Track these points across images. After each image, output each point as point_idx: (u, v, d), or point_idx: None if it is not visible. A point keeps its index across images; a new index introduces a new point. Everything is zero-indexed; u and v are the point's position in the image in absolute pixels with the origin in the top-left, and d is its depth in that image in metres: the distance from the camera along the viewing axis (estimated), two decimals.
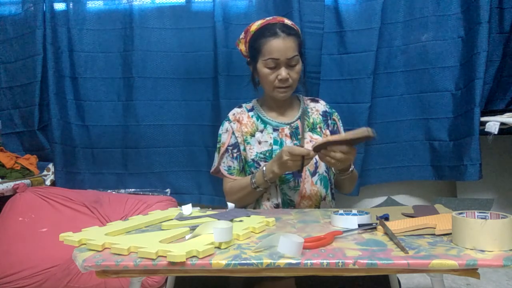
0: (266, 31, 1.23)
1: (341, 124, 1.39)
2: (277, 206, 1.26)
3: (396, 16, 1.83)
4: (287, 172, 1.23)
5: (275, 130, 1.31)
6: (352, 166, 1.26)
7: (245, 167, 1.32)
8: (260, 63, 1.25)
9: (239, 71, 1.81)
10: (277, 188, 1.25)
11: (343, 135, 1.10)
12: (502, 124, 1.55)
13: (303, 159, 1.11)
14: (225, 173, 1.35)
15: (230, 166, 1.34)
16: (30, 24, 1.89)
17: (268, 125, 1.32)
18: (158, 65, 1.91)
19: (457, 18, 1.76)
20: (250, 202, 1.29)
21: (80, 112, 1.93)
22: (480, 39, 1.63)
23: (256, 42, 1.25)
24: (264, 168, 1.21)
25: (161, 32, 1.91)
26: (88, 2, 1.93)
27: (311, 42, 1.83)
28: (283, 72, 1.22)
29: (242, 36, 1.34)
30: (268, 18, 1.29)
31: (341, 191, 1.41)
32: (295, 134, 1.30)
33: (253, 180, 1.23)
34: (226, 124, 1.36)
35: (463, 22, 1.75)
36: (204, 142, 1.93)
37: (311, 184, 1.26)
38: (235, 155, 1.33)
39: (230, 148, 1.33)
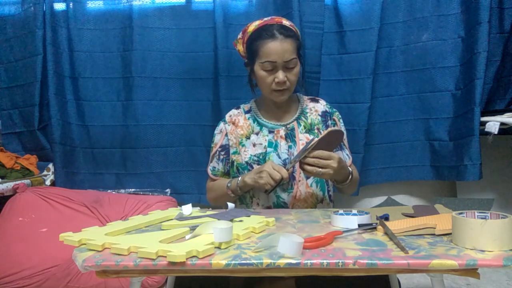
0: (263, 33, 1.21)
1: (342, 124, 1.36)
2: (268, 209, 1.24)
3: (396, 16, 1.83)
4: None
5: (270, 132, 1.30)
6: (351, 176, 1.22)
7: (231, 170, 1.31)
8: (257, 65, 1.23)
9: (239, 72, 1.81)
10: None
11: (314, 140, 1.11)
12: (502, 124, 1.55)
13: (280, 181, 1.11)
14: (209, 172, 1.36)
15: (214, 167, 1.35)
16: (30, 24, 1.89)
17: (263, 127, 1.31)
18: (158, 65, 1.91)
19: (457, 18, 1.76)
20: (225, 203, 1.27)
21: (80, 112, 1.93)
22: (480, 39, 1.63)
23: (253, 44, 1.23)
24: (240, 177, 1.21)
25: (161, 32, 1.90)
26: (88, 2, 1.93)
27: (311, 42, 1.83)
28: (280, 75, 1.20)
29: (240, 36, 1.32)
30: (266, 19, 1.26)
31: (342, 193, 1.41)
32: (291, 136, 1.29)
33: (228, 184, 1.24)
34: (221, 125, 1.37)
35: (463, 22, 1.75)
36: (204, 142, 1.93)
37: (306, 186, 1.24)
38: (221, 157, 1.33)
39: (219, 149, 1.34)
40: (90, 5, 1.93)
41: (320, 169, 1.07)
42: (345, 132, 1.38)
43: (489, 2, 1.63)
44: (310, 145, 1.08)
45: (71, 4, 1.91)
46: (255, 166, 1.24)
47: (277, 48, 1.18)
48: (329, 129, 1.12)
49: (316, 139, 1.11)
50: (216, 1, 1.83)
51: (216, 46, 1.84)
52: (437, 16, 1.79)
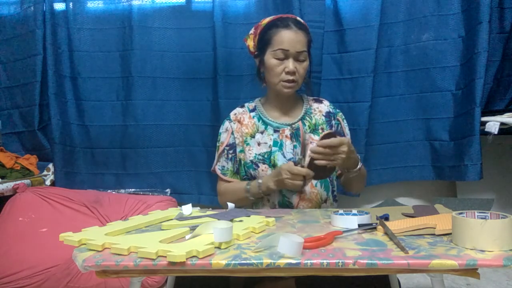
0: (279, 22, 1.25)
1: (345, 124, 1.37)
2: (274, 207, 1.26)
3: (397, 16, 1.83)
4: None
5: (275, 131, 1.30)
6: (360, 164, 1.21)
7: (240, 168, 1.31)
8: (269, 54, 1.25)
9: (239, 71, 1.81)
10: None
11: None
12: (502, 124, 1.54)
13: (305, 179, 1.12)
14: (218, 172, 1.36)
15: (224, 167, 1.35)
16: (30, 24, 1.89)
17: (268, 126, 1.32)
18: (157, 65, 1.91)
19: (458, 17, 1.76)
20: (240, 206, 1.28)
21: (80, 112, 1.93)
22: (481, 39, 1.63)
23: (266, 33, 1.26)
24: (260, 181, 1.21)
25: (161, 32, 1.90)
26: (88, 2, 1.93)
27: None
28: (290, 64, 1.22)
29: (251, 31, 1.34)
30: (281, 14, 1.31)
31: (351, 191, 1.41)
32: (296, 136, 1.29)
33: (247, 187, 1.24)
34: (226, 123, 1.37)
35: (464, 21, 1.75)
36: (203, 142, 1.93)
37: (310, 186, 1.25)
38: (230, 156, 1.33)
39: (227, 148, 1.34)
40: (90, 5, 1.93)
41: (332, 161, 1.08)
42: (349, 133, 1.38)
43: (489, 2, 1.63)
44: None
45: (70, 4, 1.91)
46: (261, 165, 1.25)
47: (290, 36, 1.22)
48: (338, 138, 1.12)
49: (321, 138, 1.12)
50: (215, 1, 1.83)
51: (216, 46, 1.83)
52: (437, 15, 1.78)
